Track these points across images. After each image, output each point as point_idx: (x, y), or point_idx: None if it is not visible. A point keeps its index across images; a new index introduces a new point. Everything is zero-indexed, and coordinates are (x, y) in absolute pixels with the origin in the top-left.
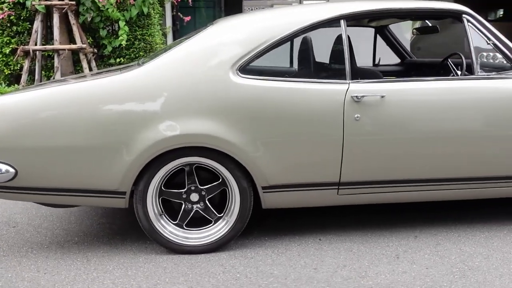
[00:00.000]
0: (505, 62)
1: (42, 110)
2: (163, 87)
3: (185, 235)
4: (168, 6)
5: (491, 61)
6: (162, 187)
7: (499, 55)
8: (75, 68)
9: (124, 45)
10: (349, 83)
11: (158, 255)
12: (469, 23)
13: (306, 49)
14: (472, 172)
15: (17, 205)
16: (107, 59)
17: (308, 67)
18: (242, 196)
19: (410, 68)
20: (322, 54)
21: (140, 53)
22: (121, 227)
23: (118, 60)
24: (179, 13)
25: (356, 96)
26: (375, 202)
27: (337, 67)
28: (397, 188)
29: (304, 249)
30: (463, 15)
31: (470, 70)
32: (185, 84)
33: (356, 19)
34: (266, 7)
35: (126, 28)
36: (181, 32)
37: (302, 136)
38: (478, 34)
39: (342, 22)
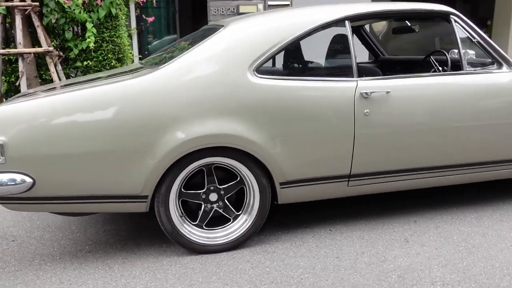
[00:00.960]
0: (488, 58)
1: (60, 116)
2: (184, 89)
3: (206, 235)
4: (132, 7)
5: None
6: (182, 189)
7: (470, 52)
8: (39, 73)
9: (92, 47)
10: (357, 81)
11: (181, 257)
12: (456, 23)
13: (316, 48)
14: (464, 159)
15: (7, 217)
16: (73, 62)
17: (318, 65)
18: (261, 193)
19: (387, 65)
20: (326, 54)
21: (109, 55)
22: (129, 232)
23: (85, 63)
24: (143, 15)
25: (366, 93)
26: (380, 191)
27: (344, 65)
28: (400, 177)
29: (319, 240)
30: (451, 16)
31: (454, 67)
32: (205, 86)
33: (359, 20)
34: (231, 7)
35: (94, 30)
36: (145, 33)
37: (317, 132)
38: (464, 33)
39: (347, 22)
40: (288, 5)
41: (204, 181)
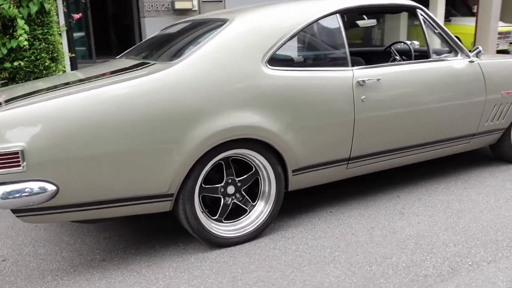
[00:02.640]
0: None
1: (81, 116)
2: (205, 82)
3: (227, 228)
4: (60, 3)
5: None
6: (202, 184)
7: (415, 42)
8: None
9: (26, 46)
10: (352, 70)
11: (206, 253)
12: (422, 16)
13: (316, 39)
14: (436, 136)
15: None
16: (0, 63)
17: (319, 56)
18: (277, 181)
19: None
20: (323, 44)
21: (42, 54)
22: (134, 236)
23: (15, 63)
24: (71, 13)
25: (363, 80)
26: (372, 171)
27: (340, 55)
28: (391, 156)
29: (327, 221)
30: (417, 10)
31: (408, 56)
32: (224, 79)
33: (346, 13)
34: (166, 3)
35: (26, 27)
36: (74, 30)
37: (323, 118)
38: (428, 25)
39: (338, 16)
40: (221, 1)
41: (218, 175)
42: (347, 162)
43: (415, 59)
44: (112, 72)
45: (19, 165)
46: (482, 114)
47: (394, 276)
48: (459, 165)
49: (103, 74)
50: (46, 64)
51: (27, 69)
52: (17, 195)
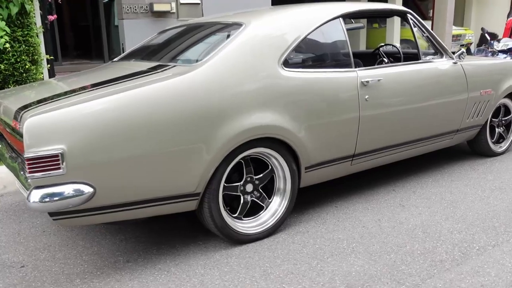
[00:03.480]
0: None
1: (116, 117)
2: (230, 83)
3: (248, 225)
4: (36, 4)
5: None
6: (224, 183)
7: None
8: None
9: (8, 48)
10: (356, 71)
11: (228, 250)
12: (411, 20)
13: (323, 41)
14: (427, 132)
15: None
16: None
17: (326, 58)
18: (292, 178)
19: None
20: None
21: (22, 57)
22: (150, 238)
23: None
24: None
25: (366, 81)
26: (372, 167)
27: (345, 57)
28: (389, 152)
29: (335, 216)
30: (407, 14)
31: (396, 58)
32: (247, 80)
33: (348, 17)
34: (145, 5)
35: (8, 29)
36: (50, 32)
37: (333, 117)
38: (418, 28)
39: (341, 19)
40: (199, 4)
41: (235, 174)
42: (351, 158)
43: (404, 61)
44: (133, 75)
45: (59, 168)
46: (465, 111)
47: (413, 263)
48: (440, 160)
49: (125, 77)
50: (27, 67)
51: (7, 72)
52: (56, 198)
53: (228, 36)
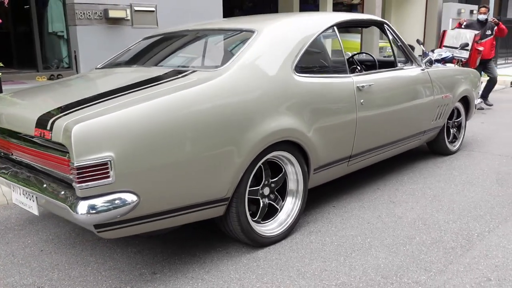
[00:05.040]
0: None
1: (158, 124)
2: (253, 88)
3: (267, 227)
4: None
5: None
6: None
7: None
8: None
9: None
10: (352, 77)
11: (252, 253)
12: (388, 30)
13: (324, 48)
14: (408, 132)
15: None
16: None
17: (327, 64)
18: (304, 179)
19: None
20: (326, 53)
21: None
22: (165, 248)
23: None
24: None
25: (362, 86)
26: (363, 167)
27: (342, 63)
28: (376, 153)
29: (338, 215)
30: (384, 25)
31: (373, 66)
32: (266, 85)
33: (340, 26)
34: (99, 11)
35: None
36: None
37: (336, 120)
38: (393, 38)
39: (335, 28)
40: (153, 11)
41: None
42: (348, 159)
43: (379, 68)
44: (153, 80)
45: (108, 176)
46: (431, 113)
47: (429, 252)
48: (406, 160)
49: (147, 82)
50: None
51: None
52: (104, 208)
53: (243, 42)
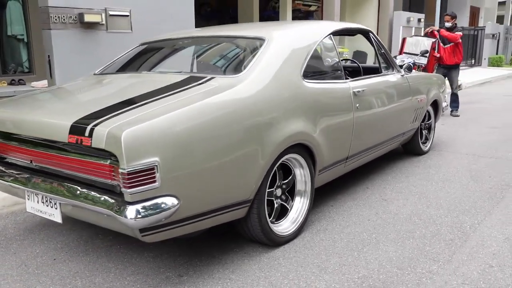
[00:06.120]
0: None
1: (195, 128)
2: (271, 93)
3: (281, 227)
4: None
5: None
6: None
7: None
8: None
9: None
10: (348, 82)
11: (269, 253)
12: (373, 38)
13: (323, 55)
14: (391, 134)
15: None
16: None
17: (326, 70)
18: (311, 180)
19: None
20: (325, 60)
21: None
22: (180, 251)
23: None
24: None
25: (357, 91)
26: (355, 167)
27: (339, 69)
28: (367, 153)
29: (338, 214)
30: (369, 33)
31: (357, 73)
32: (282, 90)
33: (334, 34)
34: (73, 15)
35: None
36: None
37: (338, 124)
38: (377, 45)
39: (332, 36)
40: (127, 16)
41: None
42: (345, 160)
43: (363, 74)
44: (174, 87)
45: (155, 181)
46: (410, 116)
47: (433, 244)
48: (385, 160)
49: (168, 88)
50: None
51: None
52: (151, 212)
53: (255, 49)
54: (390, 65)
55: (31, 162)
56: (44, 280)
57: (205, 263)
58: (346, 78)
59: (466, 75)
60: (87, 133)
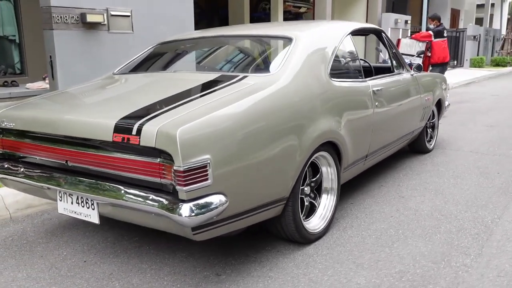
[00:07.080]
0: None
1: (243, 125)
2: (304, 91)
3: (310, 225)
4: None
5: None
6: None
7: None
8: None
9: None
10: (367, 81)
11: (301, 250)
12: (385, 38)
13: (344, 55)
14: (404, 132)
15: None
16: None
17: (348, 69)
18: (338, 177)
19: None
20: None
21: None
22: (210, 251)
23: None
24: None
25: (377, 89)
26: (372, 165)
27: (358, 69)
28: (383, 151)
29: (360, 211)
30: (382, 33)
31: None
32: (313, 88)
33: (353, 34)
34: (75, 15)
35: None
36: None
37: (360, 122)
38: (388, 45)
39: (351, 35)
40: (129, 16)
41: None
42: (365, 158)
43: (375, 74)
44: (211, 84)
45: (207, 179)
46: (419, 115)
47: (460, 238)
48: (390, 160)
49: (208, 86)
50: None
51: None
52: (204, 210)
53: (284, 49)
54: (400, 65)
55: (66, 162)
56: (79, 282)
57: (240, 262)
58: (364, 77)
59: (451, 76)
60: (134, 132)
